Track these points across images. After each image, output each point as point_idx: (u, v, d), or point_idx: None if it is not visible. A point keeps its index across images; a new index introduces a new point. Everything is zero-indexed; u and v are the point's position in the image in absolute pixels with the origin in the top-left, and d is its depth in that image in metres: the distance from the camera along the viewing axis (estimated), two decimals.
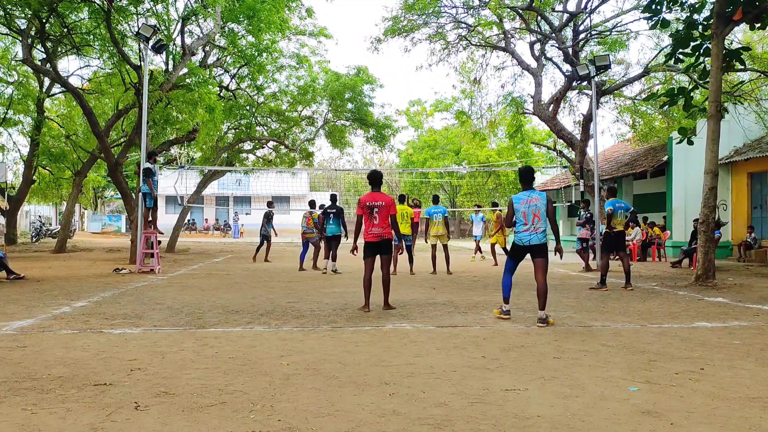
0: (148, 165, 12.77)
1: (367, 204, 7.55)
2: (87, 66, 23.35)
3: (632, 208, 13.04)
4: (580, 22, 18.77)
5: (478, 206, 20.42)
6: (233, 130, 24.37)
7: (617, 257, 18.01)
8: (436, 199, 14.12)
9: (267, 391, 3.95)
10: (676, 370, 4.51)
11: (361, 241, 7.78)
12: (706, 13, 11.27)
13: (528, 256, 6.70)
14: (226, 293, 9.37)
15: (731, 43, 14.49)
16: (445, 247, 13.25)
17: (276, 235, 17.76)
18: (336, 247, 13.21)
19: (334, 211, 13.00)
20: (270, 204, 17.09)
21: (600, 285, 10.00)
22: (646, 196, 22.13)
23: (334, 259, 13.16)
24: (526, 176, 6.87)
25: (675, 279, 11.86)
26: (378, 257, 7.64)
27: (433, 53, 20.69)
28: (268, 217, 16.83)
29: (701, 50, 11.24)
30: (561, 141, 20.70)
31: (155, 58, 16.05)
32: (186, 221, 31.92)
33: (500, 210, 18.36)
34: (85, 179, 25.00)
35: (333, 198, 13.56)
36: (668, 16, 12.17)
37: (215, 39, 17.90)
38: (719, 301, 8.52)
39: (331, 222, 13.02)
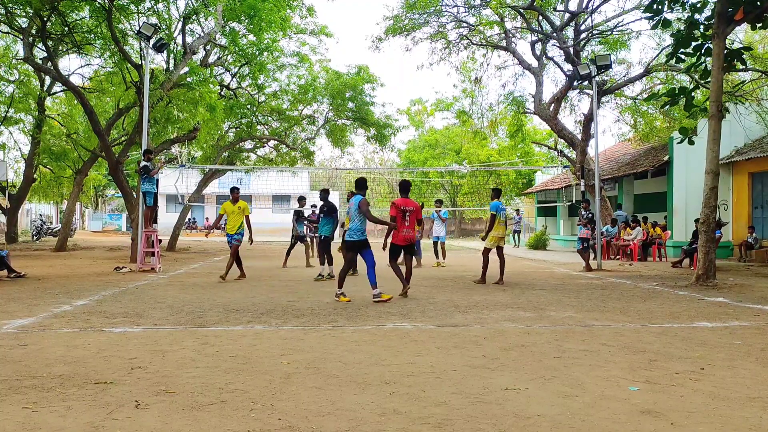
0: (145, 163, 12.81)
1: (401, 208, 8.77)
2: (88, 64, 23.35)
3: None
4: (581, 22, 18.79)
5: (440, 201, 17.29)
6: (234, 129, 24.40)
7: (620, 257, 18.12)
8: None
9: (267, 389, 3.95)
10: (677, 370, 4.51)
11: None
12: (707, 12, 11.26)
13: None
14: (227, 292, 9.38)
15: (732, 43, 14.48)
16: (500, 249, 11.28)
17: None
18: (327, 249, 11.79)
19: (326, 209, 11.71)
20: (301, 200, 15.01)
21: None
22: (647, 196, 22.12)
23: (330, 263, 11.72)
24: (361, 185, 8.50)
25: (675, 279, 11.85)
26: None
27: (434, 52, 20.74)
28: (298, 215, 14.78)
29: (702, 50, 11.23)
30: (562, 140, 20.74)
31: (156, 57, 16.05)
32: (187, 220, 31.93)
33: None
34: (86, 178, 25.02)
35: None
36: (669, 16, 12.18)
37: (216, 38, 17.90)
38: (720, 301, 8.52)
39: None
